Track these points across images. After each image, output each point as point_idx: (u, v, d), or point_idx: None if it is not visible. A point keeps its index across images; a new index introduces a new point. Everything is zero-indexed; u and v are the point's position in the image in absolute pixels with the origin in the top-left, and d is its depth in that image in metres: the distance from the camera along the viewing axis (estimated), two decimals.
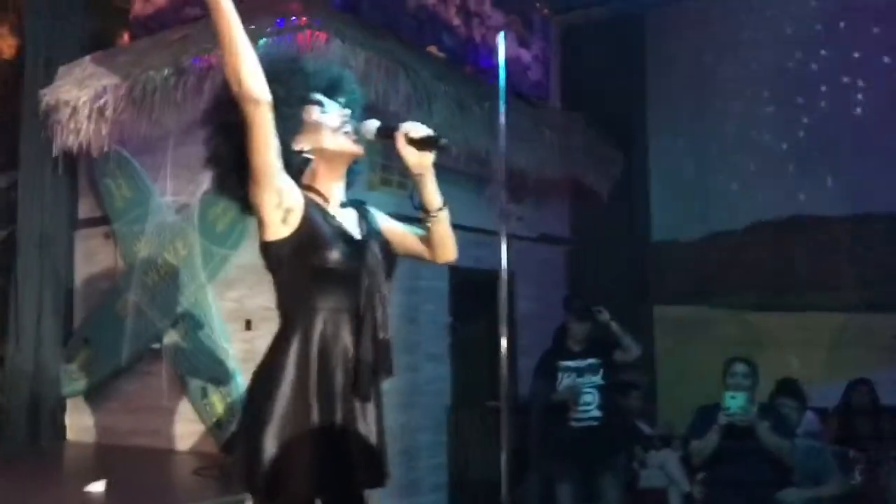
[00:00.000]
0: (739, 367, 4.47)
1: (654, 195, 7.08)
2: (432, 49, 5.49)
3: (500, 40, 3.33)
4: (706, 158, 6.86)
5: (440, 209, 2.24)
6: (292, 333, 2.05)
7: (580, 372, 5.00)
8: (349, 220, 2.20)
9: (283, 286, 2.10)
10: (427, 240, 2.30)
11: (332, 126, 2.16)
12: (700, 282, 6.83)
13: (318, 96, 2.19)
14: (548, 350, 5.21)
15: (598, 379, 4.99)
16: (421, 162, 2.14)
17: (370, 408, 2.10)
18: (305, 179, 2.18)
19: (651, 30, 7.08)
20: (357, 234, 2.17)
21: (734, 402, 4.28)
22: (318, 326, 2.04)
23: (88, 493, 3.80)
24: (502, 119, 3.20)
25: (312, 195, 2.16)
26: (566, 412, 4.89)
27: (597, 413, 4.92)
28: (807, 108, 6.51)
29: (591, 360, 5.04)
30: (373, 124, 2.18)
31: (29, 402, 5.31)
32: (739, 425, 4.28)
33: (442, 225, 2.26)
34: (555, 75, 7.08)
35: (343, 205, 2.22)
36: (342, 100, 2.26)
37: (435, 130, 4.81)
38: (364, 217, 2.26)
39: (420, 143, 2.11)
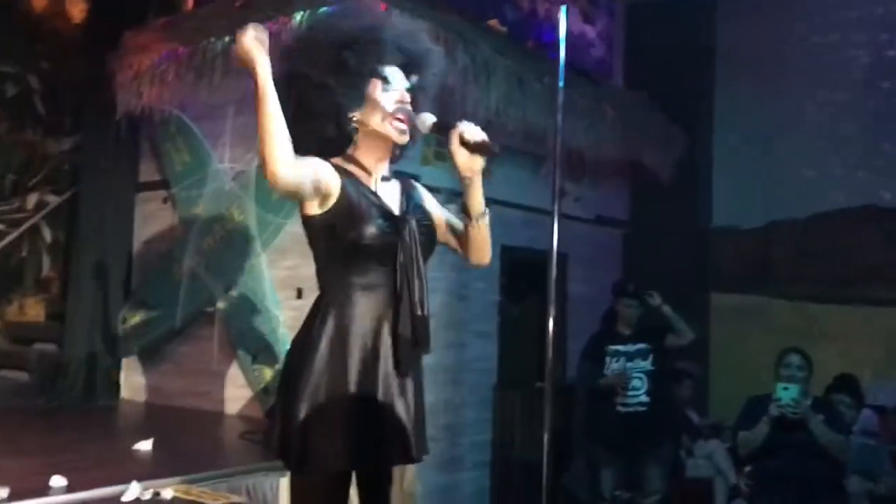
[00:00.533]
0: (794, 359, 4.34)
1: (716, 180, 6.90)
2: (494, 23, 5.41)
3: (562, 14, 3.24)
4: (772, 144, 6.65)
5: (482, 215, 2.18)
6: (329, 306, 2.04)
7: (629, 356, 4.92)
8: (390, 195, 2.16)
9: (321, 260, 2.10)
10: (464, 240, 2.24)
11: (386, 108, 2.11)
12: (759, 270, 6.65)
13: (388, 71, 2.13)
14: (596, 333, 5.14)
15: (647, 364, 4.91)
16: (471, 166, 2.07)
17: (408, 383, 2.08)
18: (350, 149, 2.15)
19: (722, 9, 6.86)
20: (396, 209, 2.14)
21: (786, 393, 4.15)
22: (355, 300, 2.03)
23: (137, 450, 3.90)
24: (560, 95, 3.13)
25: (352, 167, 2.13)
26: (613, 397, 4.83)
27: (644, 399, 4.84)
28: (881, 93, 6.25)
29: (640, 345, 4.95)
30: (429, 118, 2.12)
31: (86, 361, 5.46)
32: (790, 418, 4.16)
33: (482, 231, 2.21)
34: (618, 53, 6.94)
35: (385, 178, 2.18)
36: (416, 79, 2.19)
37: (493, 104, 4.79)
38: (408, 193, 2.22)
39: (473, 147, 2.05)
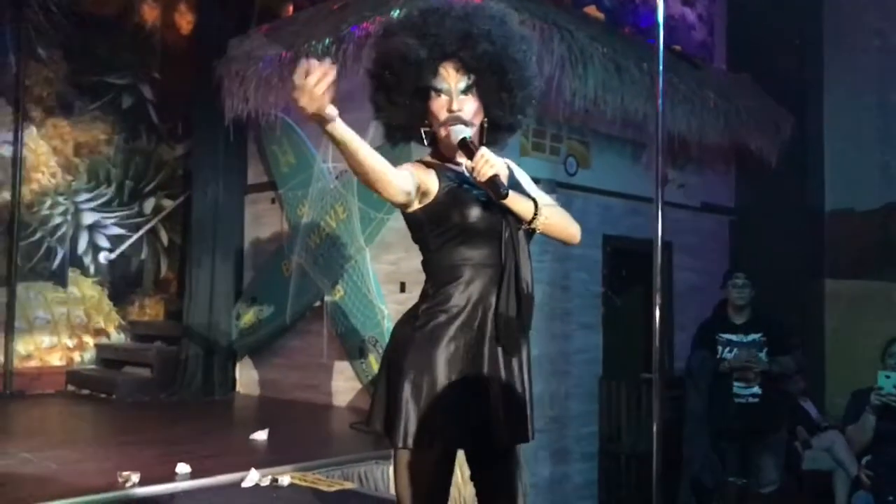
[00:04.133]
0: None
1: (828, 162, 6.61)
2: (591, 10, 5.35)
3: None
4: (887, 122, 6.32)
5: (534, 218, 2.11)
6: (435, 288, 2.06)
7: (742, 347, 4.76)
8: None
9: (427, 247, 2.11)
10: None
11: (440, 118, 2.09)
12: (877, 255, 6.34)
13: (437, 80, 2.06)
14: (707, 320, 5.00)
15: (762, 357, 4.75)
16: (481, 181, 2.01)
17: (514, 362, 2.07)
18: (440, 145, 2.16)
19: None
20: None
21: (888, 381, 3.98)
22: (461, 281, 2.04)
23: (253, 440, 4.06)
24: (660, 80, 3.07)
25: (444, 160, 2.16)
26: (729, 385, 4.68)
27: (757, 390, 4.69)
28: None
29: (753, 336, 4.80)
30: (459, 133, 2.05)
31: (203, 356, 5.70)
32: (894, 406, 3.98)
33: (547, 229, 2.15)
34: (720, 35, 6.74)
35: None
36: (474, 77, 2.08)
37: (591, 92, 4.73)
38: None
39: (484, 184, 1.99)
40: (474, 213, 2.03)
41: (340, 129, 1.81)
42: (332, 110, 1.76)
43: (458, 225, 2.04)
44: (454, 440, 2.03)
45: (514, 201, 2.06)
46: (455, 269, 2.05)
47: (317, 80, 1.70)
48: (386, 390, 2.07)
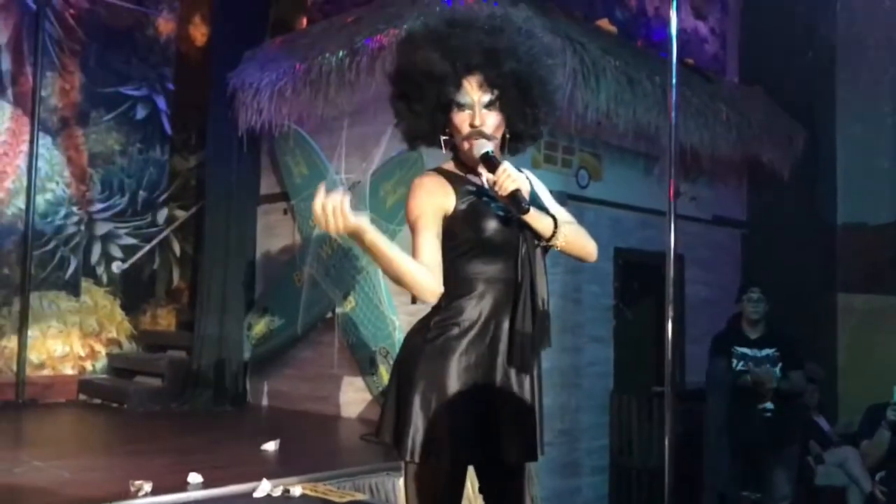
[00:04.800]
0: None
1: (840, 175, 6.59)
2: (604, 23, 5.37)
3: (672, 10, 3.19)
4: None
5: (553, 235, 2.10)
6: (448, 301, 2.05)
7: (757, 362, 4.74)
8: None
9: (443, 259, 2.07)
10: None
11: (462, 132, 2.08)
12: (890, 269, 6.31)
13: (460, 94, 2.05)
14: (722, 332, 4.98)
15: (775, 372, 4.73)
16: (502, 195, 2.01)
17: (526, 378, 2.06)
18: (460, 154, 2.15)
19: None
20: None
21: None
22: (474, 295, 2.04)
23: (264, 450, 4.06)
24: (673, 93, 3.08)
25: (463, 169, 2.14)
26: (747, 398, 4.66)
27: (769, 406, 4.67)
28: None
29: (768, 351, 4.78)
30: (481, 148, 2.05)
31: (215, 366, 5.71)
32: None
33: (566, 246, 2.14)
34: (732, 48, 6.74)
35: None
36: (497, 92, 2.07)
37: (603, 105, 4.74)
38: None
39: (504, 198, 2.00)
40: (491, 227, 2.03)
41: (371, 238, 1.89)
42: (359, 222, 1.85)
43: (473, 239, 2.04)
44: (463, 455, 2.02)
45: (534, 218, 2.06)
46: (469, 282, 2.05)
47: (332, 211, 1.79)
48: (396, 402, 2.06)
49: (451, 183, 2.09)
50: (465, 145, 2.09)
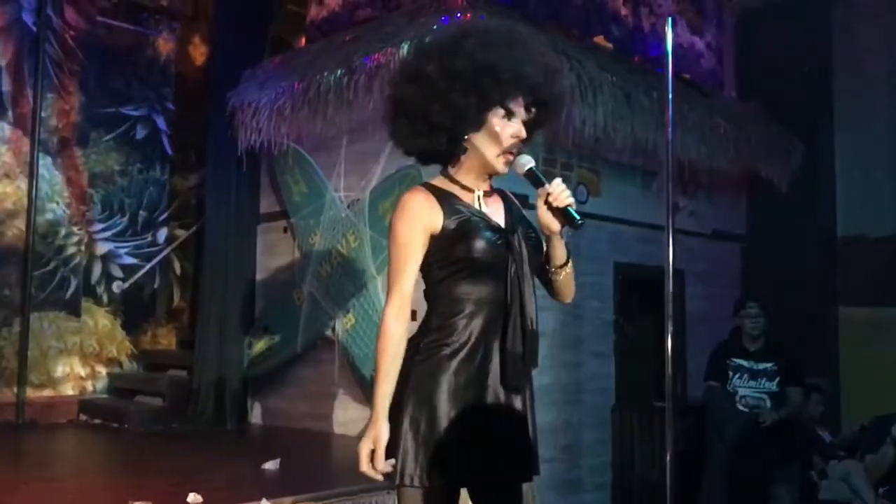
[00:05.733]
0: None
1: (840, 188, 6.59)
2: (599, 40, 5.40)
3: (668, 26, 3.21)
4: None
5: (564, 265, 2.15)
6: (436, 320, 2.04)
7: (753, 374, 4.74)
8: (494, 208, 2.15)
9: (430, 278, 2.08)
10: (549, 282, 2.22)
11: (504, 143, 2.07)
12: (891, 281, 6.30)
13: (514, 104, 2.07)
14: (721, 343, 4.98)
15: (772, 385, 4.73)
16: (549, 224, 2.04)
17: (517, 398, 2.06)
18: (452, 166, 2.15)
19: (838, 12, 6.60)
20: (502, 221, 2.13)
21: None
22: (463, 314, 2.02)
23: (264, 469, 4.05)
24: (670, 108, 3.09)
25: (454, 187, 2.13)
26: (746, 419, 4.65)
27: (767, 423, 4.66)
28: None
29: (766, 365, 4.77)
30: (527, 163, 2.09)
31: (215, 385, 5.70)
32: None
33: (564, 278, 2.17)
34: (729, 63, 6.77)
35: (487, 193, 2.16)
36: (534, 111, 2.13)
37: (601, 121, 4.76)
38: (509, 204, 2.20)
39: (557, 212, 2.02)
40: (480, 246, 2.02)
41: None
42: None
43: (463, 259, 2.03)
44: (455, 476, 2.01)
45: (560, 242, 2.09)
46: (458, 302, 2.03)
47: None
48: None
49: (439, 199, 2.07)
50: (498, 155, 2.08)
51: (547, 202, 2.01)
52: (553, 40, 4.62)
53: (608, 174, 5.40)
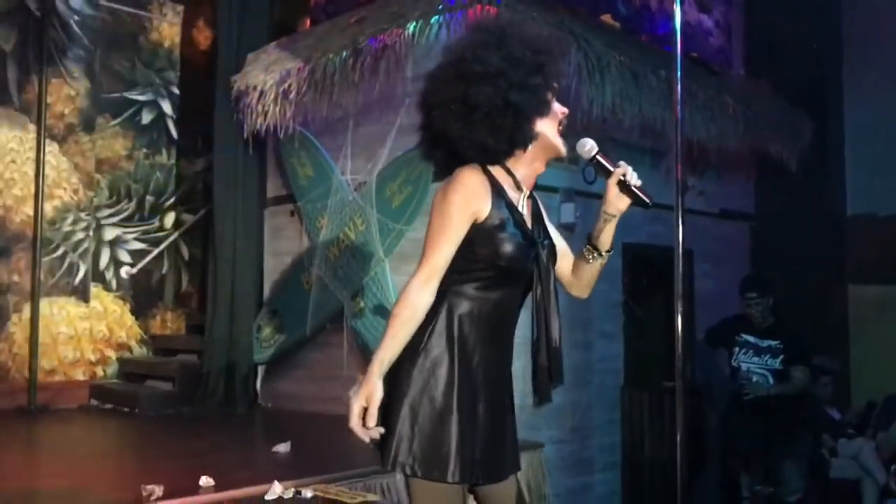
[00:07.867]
0: None
1: (849, 166, 6.55)
2: (606, 18, 5.35)
3: (676, 4, 3.17)
4: None
5: (609, 250, 2.11)
6: (448, 314, 2.00)
7: (758, 351, 4.74)
8: (528, 212, 2.11)
9: (453, 267, 2.00)
10: (575, 269, 2.19)
11: (559, 118, 2.08)
12: None
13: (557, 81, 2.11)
14: (728, 318, 4.98)
15: (775, 363, 4.73)
16: (617, 205, 2.03)
17: (507, 397, 2.12)
18: (510, 160, 2.07)
19: None
20: (530, 225, 2.08)
21: None
22: (471, 312, 2.00)
23: (275, 452, 4.06)
24: (678, 87, 3.06)
25: (507, 180, 2.06)
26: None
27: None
28: None
29: (771, 342, 4.77)
30: (593, 147, 2.06)
31: (225, 369, 5.72)
32: None
33: (599, 267, 2.14)
34: (738, 41, 6.71)
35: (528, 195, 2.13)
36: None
37: (608, 100, 4.72)
38: (535, 210, 2.15)
39: (629, 191, 2.01)
40: (508, 253, 1.98)
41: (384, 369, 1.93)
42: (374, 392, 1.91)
43: (486, 259, 1.99)
44: (462, 474, 1.97)
45: (614, 228, 2.07)
46: (471, 300, 2.01)
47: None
48: (384, 410, 1.98)
49: (493, 188, 2.01)
50: (559, 139, 2.07)
51: (622, 182, 2.00)
52: (559, 19, 4.59)
53: (616, 154, 5.35)
